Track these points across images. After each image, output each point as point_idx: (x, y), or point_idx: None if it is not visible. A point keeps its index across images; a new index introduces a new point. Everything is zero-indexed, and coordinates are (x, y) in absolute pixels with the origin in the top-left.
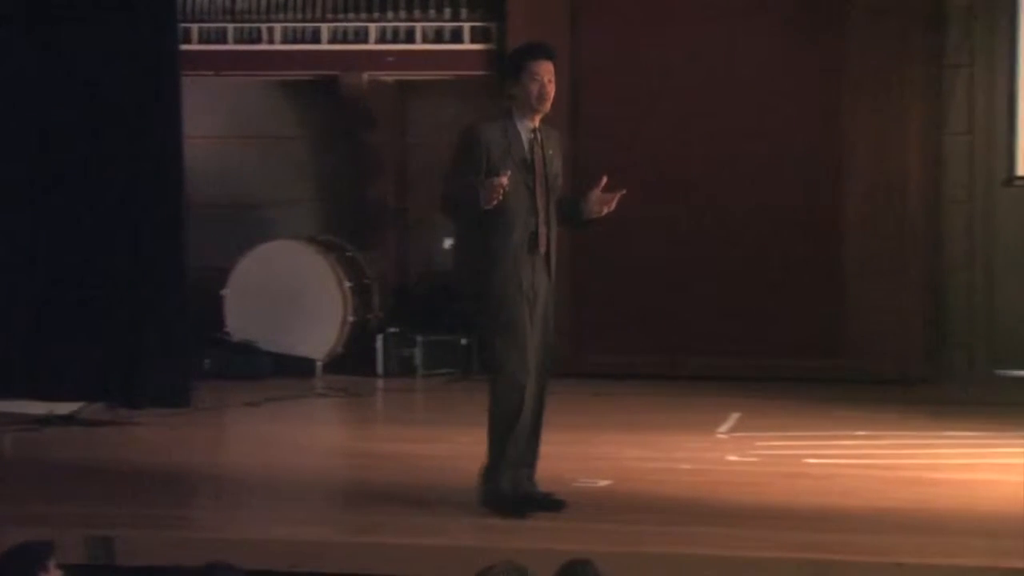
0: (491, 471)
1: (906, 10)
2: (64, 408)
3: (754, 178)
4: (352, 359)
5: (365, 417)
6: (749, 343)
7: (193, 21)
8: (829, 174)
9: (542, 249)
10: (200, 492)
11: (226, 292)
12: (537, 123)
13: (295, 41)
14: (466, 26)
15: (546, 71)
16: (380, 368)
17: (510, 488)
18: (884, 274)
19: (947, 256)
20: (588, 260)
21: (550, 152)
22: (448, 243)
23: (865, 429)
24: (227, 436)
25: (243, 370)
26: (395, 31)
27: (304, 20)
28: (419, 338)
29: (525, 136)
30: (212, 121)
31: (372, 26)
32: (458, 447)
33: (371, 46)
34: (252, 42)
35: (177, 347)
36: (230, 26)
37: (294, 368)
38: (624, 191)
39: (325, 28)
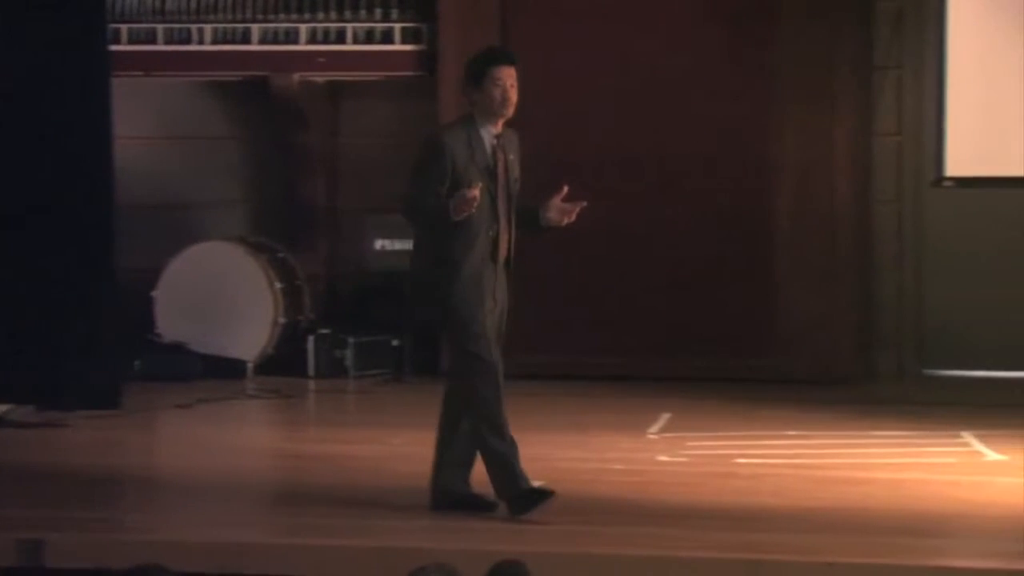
0: (500, 475)
1: (835, 13)
2: None
3: (684, 179)
4: (283, 360)
5: (296, 418)
6: (679, 344)
7: (122, 21)
8: (759, 175)
9: (502, 255)
10: (130, 494)
11: (157, 293)
12: (499, 128)
13: (225, 42)
14: (397, 27)
15: (508, 76)
16: (311, 369)
17: (523, 484)
18: (813, 274)
19: (876, 257)
20: (519, 259)
21: (511, 157)
22: (380, 244)
23: (795, 429)
24: (158, 438)
25: (174, 372)
26: (326, 32)
27: (234, 21)
28: (350, 339)
29: (488, 142)
30: (142, 122)
31: (303, 27)
32: (389, 448)
33: (302, 47)
34: (182, 43)
35: (107, 349)
36: (160, 26)
37: (225, 369)
38: (584, 203)
39: (255, 29)
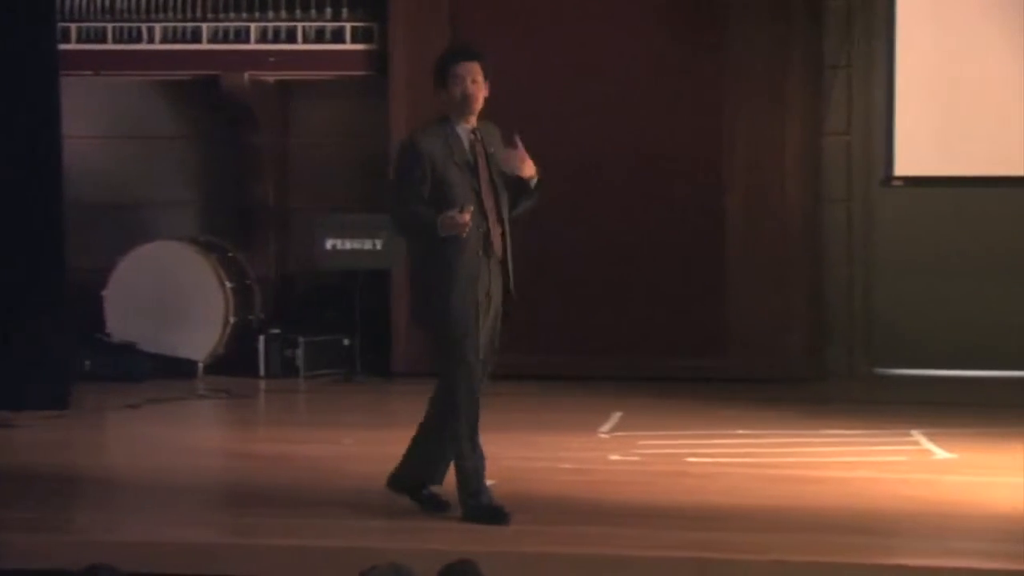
0: (460, 484)
1: (785, 12)
2: None
3: (635, 179)
4: (234, 360)
5: (247, 418)
6: (631, 342)
7: (72, 20)
8: (710, 175)
9: (497, 251)
10: (80, 495)
11: (106, 293)
12: (474, 123)
13: (175, 41)
14: (348, 26)
15: (467, 71)
16: (262, 369)
17: (484, 499)
18: (764, 273)
19: (826, 255)
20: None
21: (491, 150)
22: (330, 244)
23: (746, 428)
24: (108, 438)
25: (124, 371)
26: (276, 31)
27: (184, 20)
28: (301, 339)
29: (465, 139)
30: (92, 121)
31: (253, 26)
32: (340, 448)
33: (252, 46)
34: (132, 42)
35: (56, 348)
36: (109, 25)
37: (175, 369)
38: (517, 135)
39: (206, 28)
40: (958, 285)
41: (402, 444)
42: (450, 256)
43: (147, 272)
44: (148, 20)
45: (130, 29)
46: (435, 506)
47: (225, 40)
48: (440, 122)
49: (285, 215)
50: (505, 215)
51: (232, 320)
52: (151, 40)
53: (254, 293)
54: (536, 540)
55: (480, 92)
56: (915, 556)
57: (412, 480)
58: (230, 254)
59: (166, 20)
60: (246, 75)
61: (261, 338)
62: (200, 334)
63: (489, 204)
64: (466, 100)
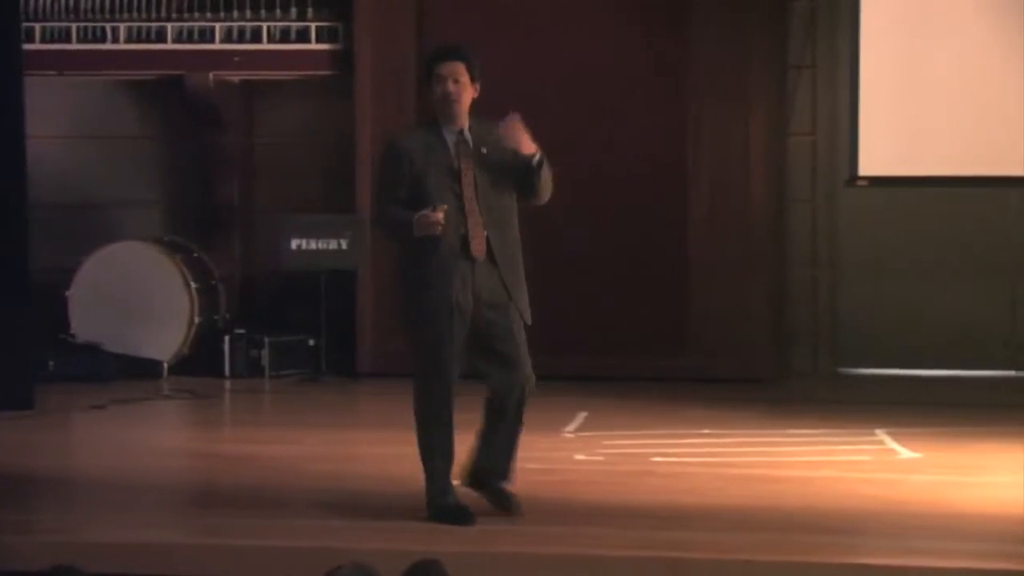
0: (428, 483)
1: (749, 12)
2: None
3: (599, 179)
4: (199, 360)
5: (212, 419)
6: (595, 342)
7: (36, 20)
8: (673, 175)
9: (478, 254)
10: (44, 495)
11: (71, 293)
12: (462, 124)
13: (140, 41)
14: (313, 26)
15: (449, 72)
16: (227, 369)
17: (450, 499)
18: (728, 273)
19: (791, 255)
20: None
21: (484, 150)
22: (296, 244)
23: (711, 427)
24: (72, 439)
25: (88, 372)
26: (241, 31)
27: (149, 20)
28: (266, 339)
29: (451, 140)
30: (56, 121)
31: (218, 26)
32: (305, 448)
33: (217, 46)
34: (96, 41)
35: (20, 349)
36: (73, 25)
37: (140, 370)
38: (513, 115)
39: (170, 28)
40: (922, 285)
41: (367, 444)
42: (424, 258)
43: (112, 272)
44: (112, 20)
45: (94, 29)
46: (501, 501)
47: (190, 40)
48: (426, 123)
49: (250, 215)
50: (500, 217)
51: (197, 320)
52: (115, 40)
53: (219, 293)
54: (502, 540)
55: (463, 92)
56: (879, 555)
57: (481, 475)
58: (195, 254)
59: (130, 20)
60: (211, 75)
61: (226, 338)
62: (165, 334)
63: (473, 206)
64: (446, 100)
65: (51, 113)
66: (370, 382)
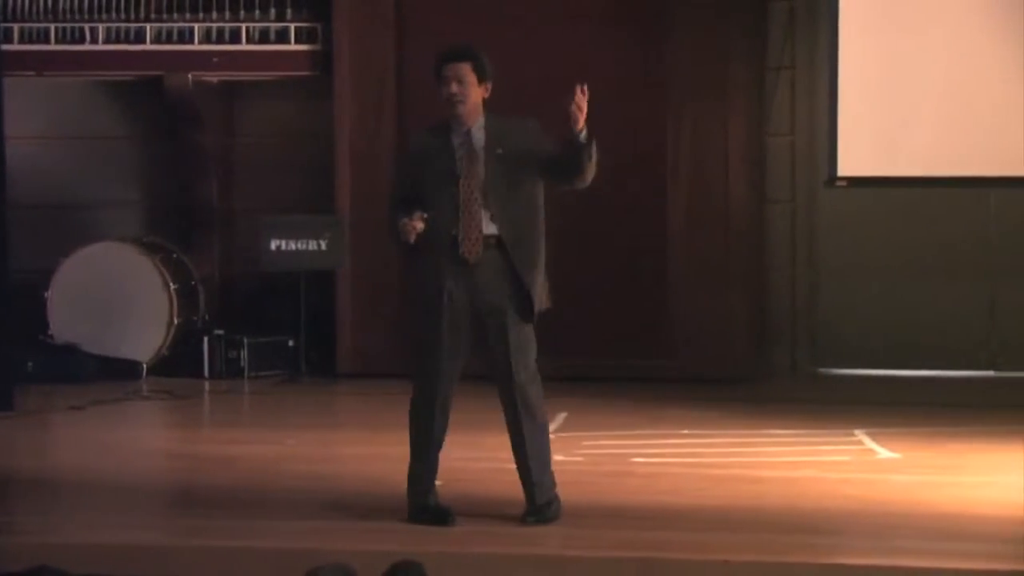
0: (409, 481)
1: (728, 13)
2: None
3: None
4: (178, 361)
5: (191, 419)
6: (575, 343)
7: (15, 21)
8: (653, 175)
9: (469, 255)
10: (24, 496)
11: (49, 294)
12: (469, 124)
13: (119, 41)
14: (292, 27)
15: (454, 73)
16: (206, 370)
17: (430, 500)
18: (708, 274)
19: (769, 256)
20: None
21: (499, 151)
22: (275, 244)
23: (690, 428)
24: (51, 440)
25: (67, 373)
26: (220, 31)
27: (128, 20)
28: (246, 339)
29: (456, 141)
30: (35, 122)
31: (197, 26)
32: (285, 449)
33: (196, 46)
34: (75, 42)
35: None
36: (52, 26)
37: (119, 371)
38: (581, 85)
39: (149, 28)
40: (901, 285)
41: (347, 444)
42: (418, 261)
43: (91, 273)
44: (91, 21)
45: (73, 29)
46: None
47: (169, 40)
48: (438, 125)
49: (230, 216)
50: (519, 212)
51: (176, 321)
52: (94, 40)
53: (199, 294)
54: (481, 541)
55: (468, 92)
56: (859, 555)
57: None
58: (174, 255)
59: (109, 21)
60: (190, 76)
61: (205, 339)
62: (144, 335)
63: (472, 208)
64: (451, 102)
65: (30, 114)
66: (349, 382)
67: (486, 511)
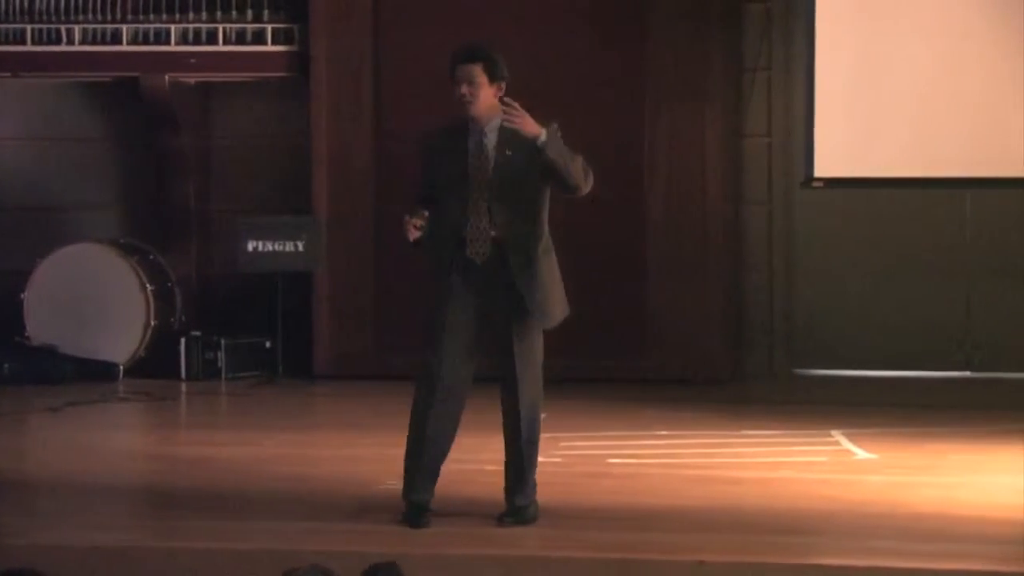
0: (404, 477)
1: (705, 14)
2: None
3: None
4: (155, 363)
5: (168, 421)
6: (551, 344)
7: None
8: (630, 176)
9: (474, 256)
10: (1, 498)
11: (26, 296)
12: (487, 124)
13: (95, 42)
14: (269, 27)
15: (463, 75)
16: (183, 371)
17: (413, 497)
18: (685, 275)
19: (747, 257)
20: (391, 262)
21: (508, 153)
22: (252, 246)
23: (667, 429)
24: (28, 441)
25: (44, 374)
26: (197, 32)
27: (104, 21)
28: (223, 341)
29: (472, 141)
30: (11, 123)
31: (174, 27)
32: (262, 450)
33: (173, 47)
34: (51, 43)
35: None
36: (28, 27)
37: (96, 372)
38: (509, 104)
39: (126, 29)
40: (877, 286)
41: (324, 446)
42: (430, 259)
43: (67, 274)
44: (67, 21)
45: (49, 30)
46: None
47: (145, 41)
48: (452, 123)
49: (206, 217)
50: (521, 217)
51: (153, 323)
52: (71, 41)
53: (175, 295)
54: (458, 542)
55: (478, 94)
56: (836, 556)
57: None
58: (151, 256)
59: (86, 21)
60: (166, 77)
61: (182, 340)
62: (121, 337)
63: (479, 209)
64: (461, 103)
65: (6, 115)
66: (327, 384)
67: (463, 512)
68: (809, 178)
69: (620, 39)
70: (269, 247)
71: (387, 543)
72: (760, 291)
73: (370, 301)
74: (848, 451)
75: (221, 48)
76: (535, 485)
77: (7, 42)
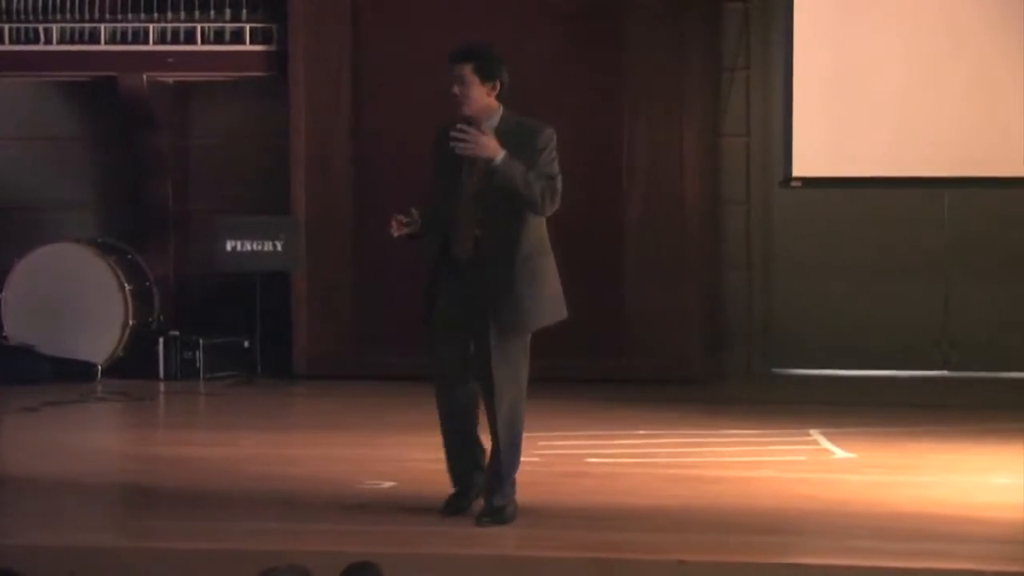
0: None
1: (683, 14)
2: None
3: None
4: (133, 362)
5: (146, 421)
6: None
7: None
8: (608, 176)
9: (459, 254)
10: None
11: (3, 295)
12: (484, 123)
13: (73, 42)
14: (247, 27)
15: (454, 73)
16: (162, 371)
17: (458, 486)
18: (663, 275)
19: (725, 256)
20: (370, 262)
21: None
22: (231, 245)
23: (646, 428)
24: (4, 442)
25: (21, 374)
26: (175, 32)
27: (82, 21)
28: (201, 341)
29: None
30: None
31: (152, 27)
32: (241, 450)
33: (151, 47)
34: (29, 43)
35: None
36: (6, 26)
37: (74, 372)
38: (461, 129)
39: (104, 29)
40: (856, 285)
41: (303, 446)
42: (427, 256)
43: (45, 274)
44: (45, 21)
45: (27, 30)
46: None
47: (123, 41)
48: (461, 119)
49: (185, 217)
50: (502, 219)
51: (131, 323)
52: (48, 41)
53: (153, 295)
54: (437, 542)
55: (469, 93)
56: (815, 555)
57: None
58: (129, 256)
59: (63, 21)
60: (144, 76)
61: (161, 340)
62: (99, 337)
63: (469, 207)
64: (454, 103)
65: None
66: (305, 384)
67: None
68: (787, 178)
69: (597, 39)
70: (248, 247)
71: (365, 543)
72: (739, 291)
73: (348, 301)
74: (827, 450)
75: (199, 47)
76: (514, 485)
77: None
